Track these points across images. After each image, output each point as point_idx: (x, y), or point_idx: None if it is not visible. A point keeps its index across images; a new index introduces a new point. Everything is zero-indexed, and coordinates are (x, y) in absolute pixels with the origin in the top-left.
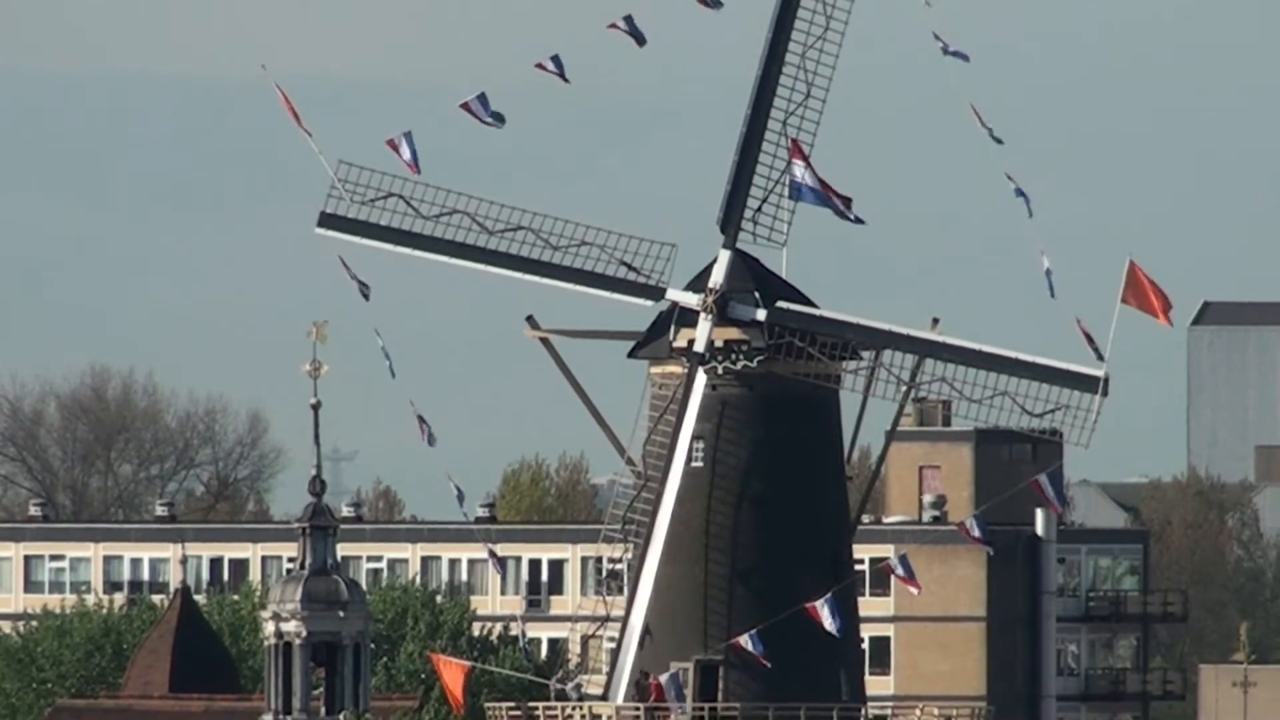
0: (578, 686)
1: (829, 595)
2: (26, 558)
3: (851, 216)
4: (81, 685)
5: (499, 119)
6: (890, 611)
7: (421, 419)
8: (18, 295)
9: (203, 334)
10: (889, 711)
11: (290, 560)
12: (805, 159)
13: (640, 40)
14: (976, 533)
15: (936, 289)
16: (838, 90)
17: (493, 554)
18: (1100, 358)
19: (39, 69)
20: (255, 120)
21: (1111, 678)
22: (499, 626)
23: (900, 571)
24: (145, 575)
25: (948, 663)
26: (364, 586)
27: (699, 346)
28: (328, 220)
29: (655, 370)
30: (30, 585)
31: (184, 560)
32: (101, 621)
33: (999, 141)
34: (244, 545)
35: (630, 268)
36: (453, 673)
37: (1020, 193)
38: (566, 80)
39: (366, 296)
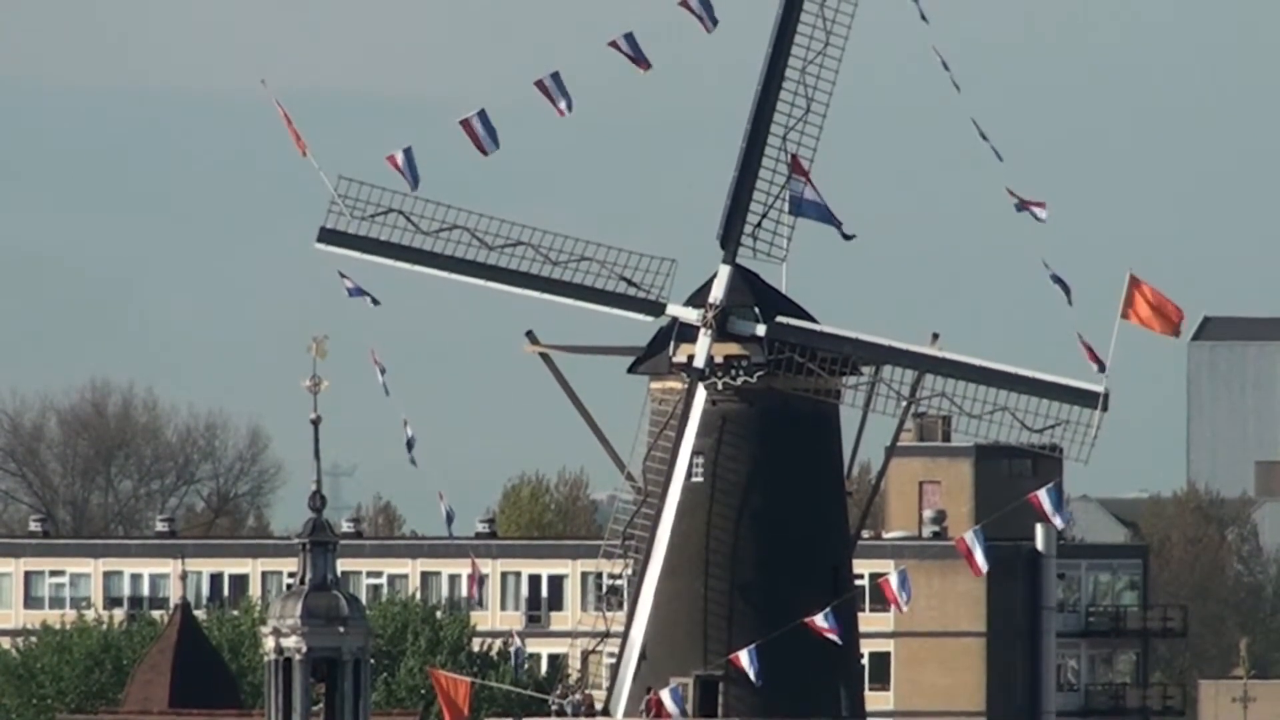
0: (577, 704)
1: (829, 610)
2: (27, 573)
3: (844, 233)
4: (81, 701)
5: (494, 141)
6: (890, 627)
7: (410, 441)
8: (17, 310)
9: (202, 349)
10: None
11: (290, 576)
12: (806, 175)
13: (641, 62)
14: (976, 547)
15: (936, 304)
16: (837, 105)
17: (475, 578)
18: (1102, 371)
19: (34, 83)
20: (255, 135)
21: (1111, 693)
22: (499, 642)
23: (898, 586)
24: (145, 591)
25: (947, 678)
26: (364, 602)
27: (699, 362)
28: (327, 235)
29: (655, 385)
30: (30, 601)
31: (184, 576)
32: (101, 637)
33: (999, 158)
34: (244, 561)
35: (630, 283)
36: (457, 688)
37: (1023, 206)
38: (564, 111)
39: (376, 302)
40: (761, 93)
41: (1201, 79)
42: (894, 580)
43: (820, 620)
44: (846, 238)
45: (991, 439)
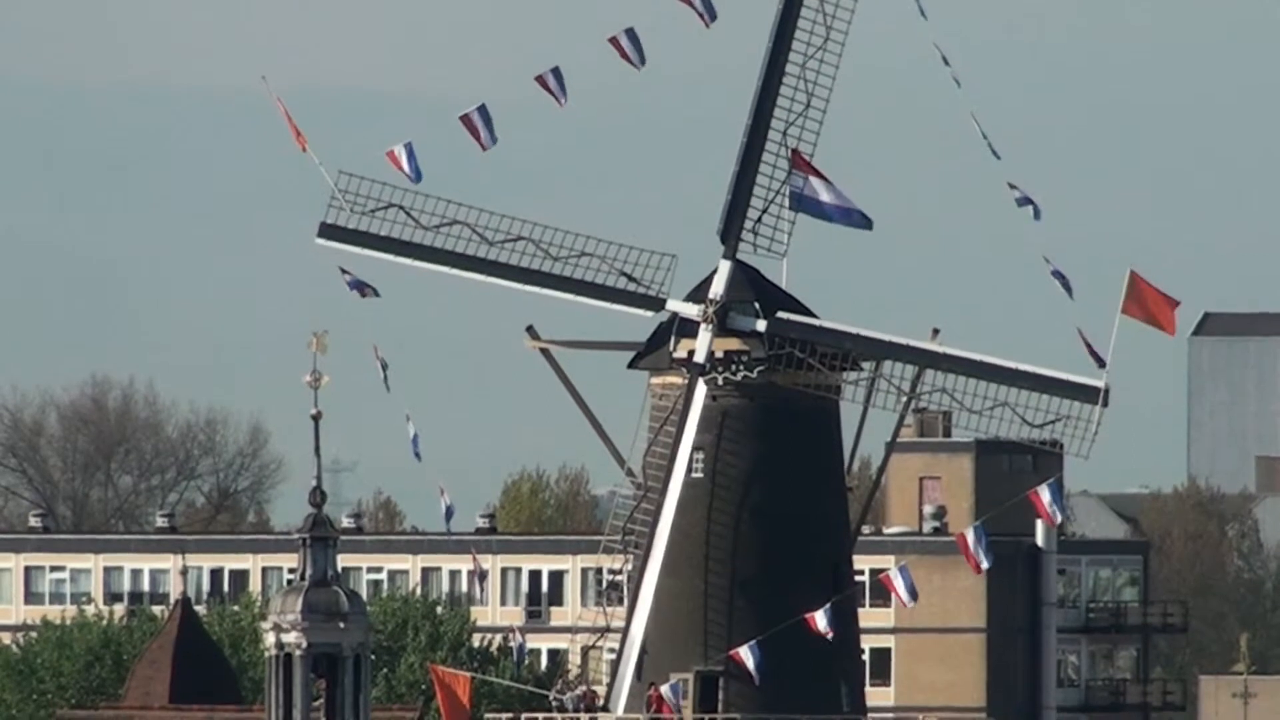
0: (578, 699)
1: (828, 606)
2: (27, 569)
3: (863, 215)
4: (82, 696)
5: (493, 136)
6: (890, 623)
7: (415, 438)
8: (18, 306)
9: (203, 345)
10: None
11: (290, 571)
12: (809, 168)
13: (639, 60)
14: (976, 543)
15: (936, 299)
16: (838, 100)
17: (475, 573)
18: (1102, 366)
19: (34, 81)
20: (255, 130)
21: (1112, 689)
22: (499, 637)
23: (899, 583)
24: (145, 586)
25: (948, 674)
26: (364, 597)
27: (699, 357)
28: (328, 231)
29: (655, 381)
30: (30, 596)
31: (184, 571)
32: (101, 632)
33: (997, 156)
34: (244, 556)
35: (630, 278)
36: (457, 684)
37: (1025, 201)
38: (562, 102)
39: (376, 293)
40: (762, 88)
41: (1202, 76)
42: (897, 579)
43: (821, 622)
44: (864, 223)
45: (992, 434)
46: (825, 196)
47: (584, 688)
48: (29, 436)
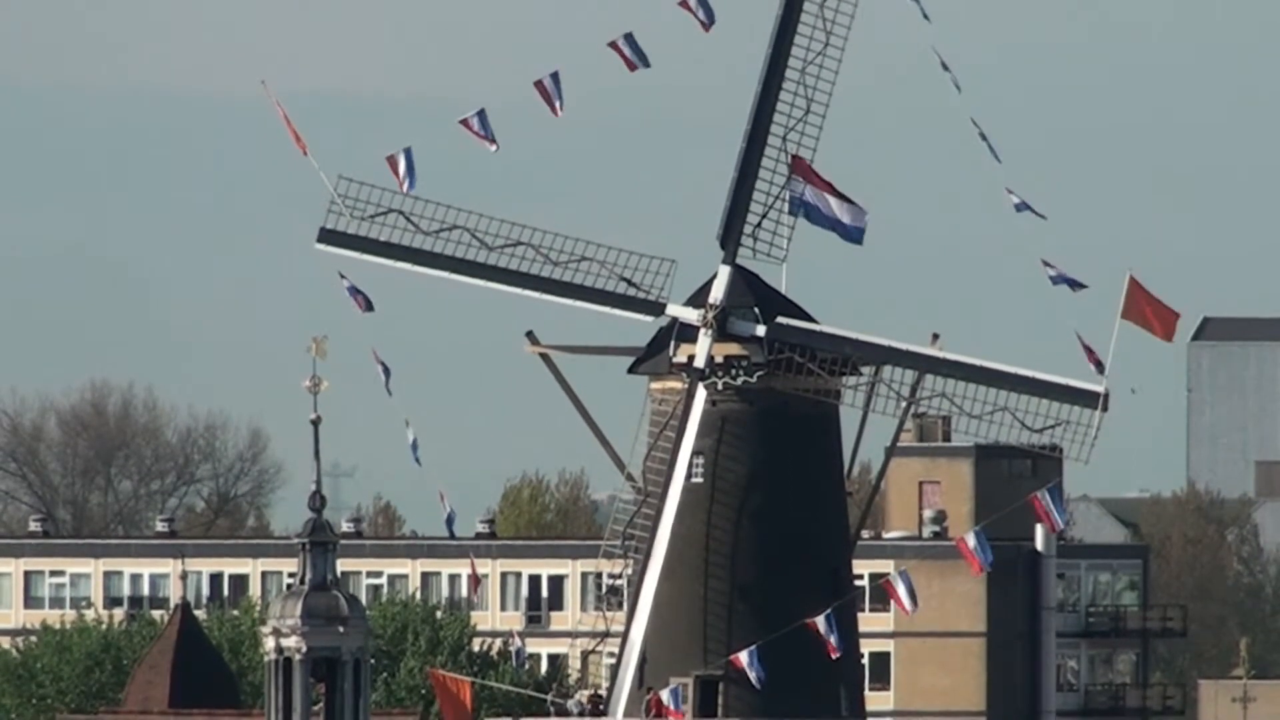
0: (581, 703)
1: (829, 611)
2: (27, 573)
3: (856, 228)
4: (81, 701)
5: (493, 141)
6: (890, 627)
7: (414, 443)
8: (17, 310)
9: (203, 349)
10: None
11: (290, 576)
12: (809, 173)
13: (642, 63)
14: (974, 546)
15: (936, 304)
16: (837, 105)
17: (473, 578)
18: (1101, 371)
19: (35, 83)
20: (255, 135)
21: (1111, 693)
22: (499, 642)
23: (900, 587)
24: (145, 591)
25: (948, 678)
26: (364, 602)
27: (699, 362)
28: (327, 236)
29: (655, 386)
30: (30, 601)
31: (184, 576)
32: (101, 637)
33: (998, 160)
34: (244, 561)
35: (630, 283)
36: (460, 689)
37: (1023, 206)
38: (558, 110)
39: (371, 306)
40: (761, 93)
41: (1202, 79)
42: (899, 585)
43: (821, 626)
44: (856, 239)
45: (991, 439)
46: (822, 205)
47: (592, 691)
48: (29, 441)
